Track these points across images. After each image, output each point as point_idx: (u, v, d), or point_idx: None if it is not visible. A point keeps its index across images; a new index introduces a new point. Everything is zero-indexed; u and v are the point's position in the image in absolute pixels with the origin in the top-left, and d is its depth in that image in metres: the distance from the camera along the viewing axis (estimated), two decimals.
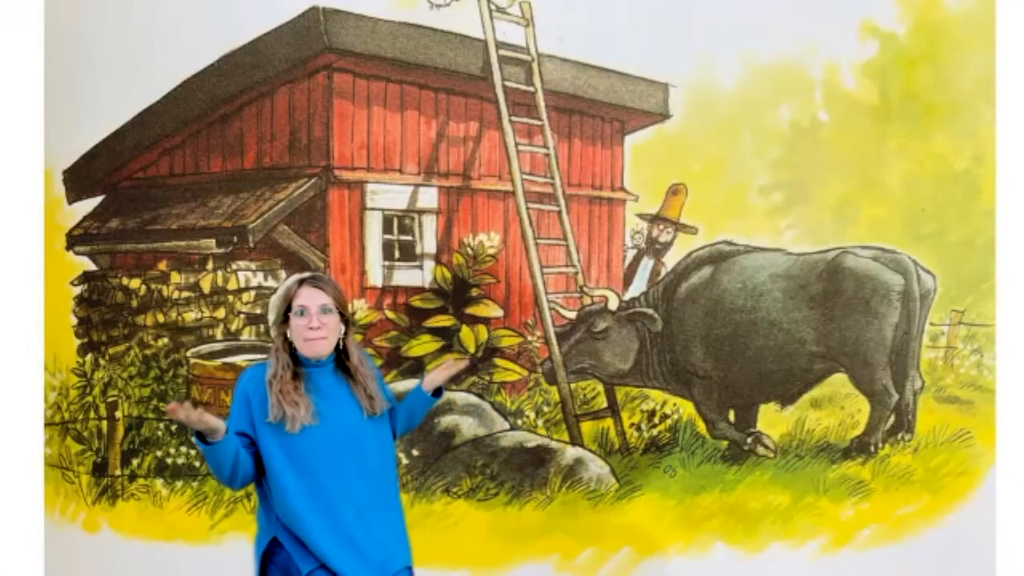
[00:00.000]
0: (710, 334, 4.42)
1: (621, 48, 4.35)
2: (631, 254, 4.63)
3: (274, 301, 2.83)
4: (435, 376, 3.02)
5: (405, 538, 2.91)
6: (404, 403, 3.03)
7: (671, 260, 4.51)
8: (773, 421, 4.43)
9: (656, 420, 4.43)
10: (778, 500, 4.35)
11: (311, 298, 2.76)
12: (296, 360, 2.78)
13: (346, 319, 2.83)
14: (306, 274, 2.89)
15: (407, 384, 4.29)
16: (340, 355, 2.84)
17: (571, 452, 4.35)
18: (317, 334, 2.74)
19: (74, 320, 4.51)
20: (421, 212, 4.48)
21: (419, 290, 4.45)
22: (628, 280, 4.62)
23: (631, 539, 4.31)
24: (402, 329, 4.42)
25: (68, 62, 4.30)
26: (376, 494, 2.82)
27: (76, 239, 4.53)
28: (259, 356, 4.30)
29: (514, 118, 4.41)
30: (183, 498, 4.31)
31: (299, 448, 2.71)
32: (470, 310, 4.44)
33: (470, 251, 4.46)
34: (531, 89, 4.45)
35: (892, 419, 4.42)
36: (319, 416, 2.70)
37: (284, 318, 2.79)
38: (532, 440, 4.36)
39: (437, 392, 3.02)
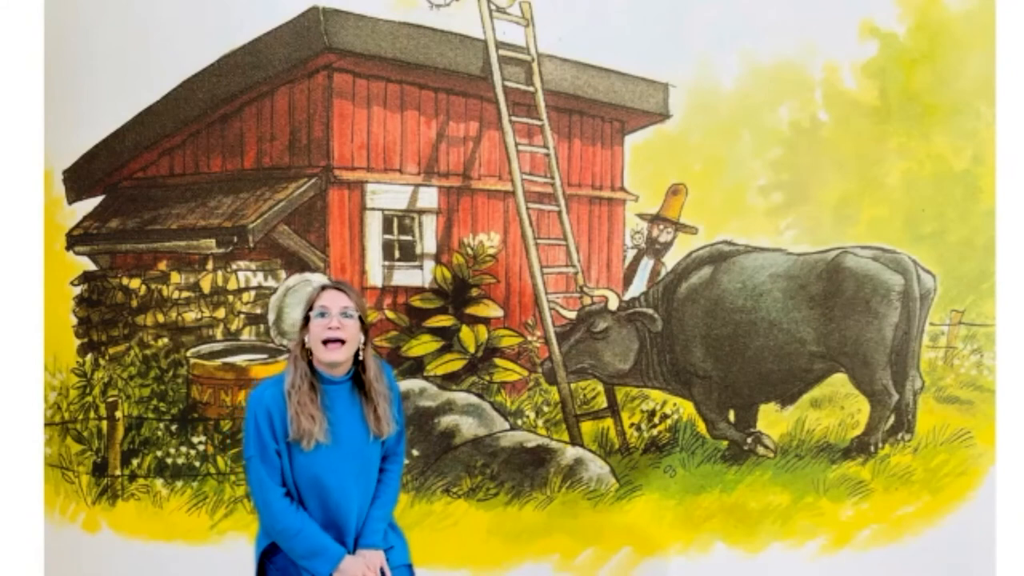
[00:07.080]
0: (710, 334, 4.42)
1: (621, 48, 4.35)
2: (631, 254, 4.63)
3: (274, 301, 2.83)
4: None
5: (401, 535, 2.95)
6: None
7: (671, 260, 4.51)
8: (773, 421, 4.43)
9: (656, 420, 4.43)
10: (778, 500, 4.35)
11: (333, 300, 2.76)
12: (314, 372, 2.77)
13: (366, 329, 2.82)
14: (330, 280, 2.88)
15: (407, 384, 4.31)
16: (357, 370, 2.83)
17: (571, 452, 4.35)
18: (336, 334, 2.72)
19: (74, 320, 4.51)
20: (421, 212, 4.48)
21: (419, 290, 4.45)
22: (628, 280, 4.62)
23: (631, 539, 4.31)
24: (402, 329, 4.42)
25: (68, 62, 4.30)
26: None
27: (76, 239, 4.53)
28: (259, 356, 4.30)
29: (514, 118, 4.41)
30: (183, 498, 4.31)
31: (307, 465, 2.72)
32: (470, 310, 4.43)
33: (470, 251, 4.46)
34: (531, 89, 4.44)
35: (892, 419, 4.42)
36: (330, 435, 2.71)
37: (304, 322, 2.78)
38: (532, 440, 4.36)
39: None
